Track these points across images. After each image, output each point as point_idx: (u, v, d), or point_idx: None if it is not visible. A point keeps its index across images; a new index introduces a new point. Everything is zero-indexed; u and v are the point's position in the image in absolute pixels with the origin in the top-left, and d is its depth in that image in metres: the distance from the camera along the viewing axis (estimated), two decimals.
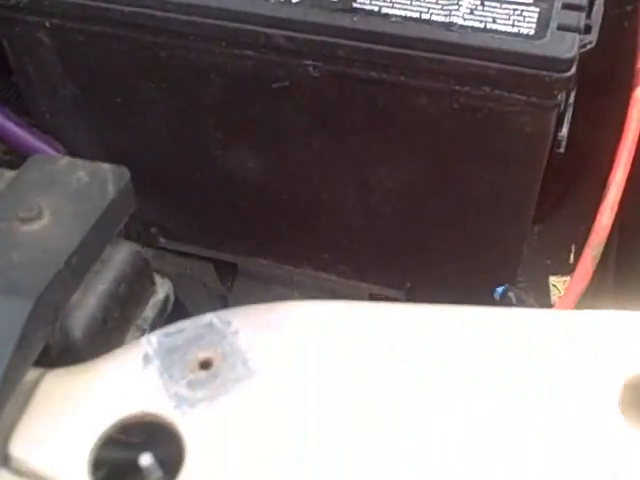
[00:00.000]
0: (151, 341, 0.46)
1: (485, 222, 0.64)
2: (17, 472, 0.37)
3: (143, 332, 0.55)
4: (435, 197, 0.65)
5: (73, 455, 0.37)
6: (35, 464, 0.38)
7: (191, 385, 0.41)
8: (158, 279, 0.59)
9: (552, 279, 0.79)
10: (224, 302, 0.84)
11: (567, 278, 0.77)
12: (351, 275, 0.78)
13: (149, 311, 0.57)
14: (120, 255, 0.52)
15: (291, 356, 0.44)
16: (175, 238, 0.78)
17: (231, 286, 0.86)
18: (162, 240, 0.78)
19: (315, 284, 0.80)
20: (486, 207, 0.63)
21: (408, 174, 0.62)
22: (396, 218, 0.71)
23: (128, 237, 0.52)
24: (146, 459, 0.38)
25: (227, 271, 0.83)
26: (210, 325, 0.47)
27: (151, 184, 0.64)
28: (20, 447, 0.37)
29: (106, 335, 0.51)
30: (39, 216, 0.43)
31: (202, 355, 0.42)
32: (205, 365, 0.42)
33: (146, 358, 0.45)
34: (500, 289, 0.66)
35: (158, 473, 0.39)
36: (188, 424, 0.39)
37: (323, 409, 0.38)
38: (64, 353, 0.47)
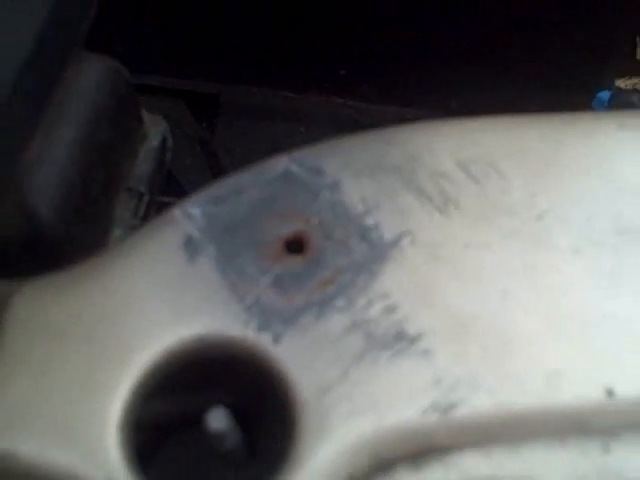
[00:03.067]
0: (191, 214, 0.26)
1: None
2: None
3: (139, 199, 0.35)
4: None
5: (91, 421, 0.23)
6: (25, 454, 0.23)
7: (281, 283, 0.25)
8: (147, 116, 0.38)
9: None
10: (206, 147, 0.67)
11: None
12: (376, 98, 0.66)
13: (142, 165, 0.36)
14: (93, 74, 0.31)
15: (431, 211, 0.27)
16: (133, 69, 0.61)
17: (211, 126, 0.69)
18: None
19: (327, 113, 0.66)
20: None
21: None
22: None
23: None
24: (217, 419, 0.24)
25: (204, 107, 0.68)
26: (287, 176, 0.27)
27: None
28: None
29: (89, 211, 0.31)
30: None
31: (288, 229, 0.26)
32: (296, 245, 0.26)
33: (190, 244, 0.25)
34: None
35: (234, 438, 0.24)
36: (288, 355, 0.24)
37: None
38: (29, 248, 0.29)
